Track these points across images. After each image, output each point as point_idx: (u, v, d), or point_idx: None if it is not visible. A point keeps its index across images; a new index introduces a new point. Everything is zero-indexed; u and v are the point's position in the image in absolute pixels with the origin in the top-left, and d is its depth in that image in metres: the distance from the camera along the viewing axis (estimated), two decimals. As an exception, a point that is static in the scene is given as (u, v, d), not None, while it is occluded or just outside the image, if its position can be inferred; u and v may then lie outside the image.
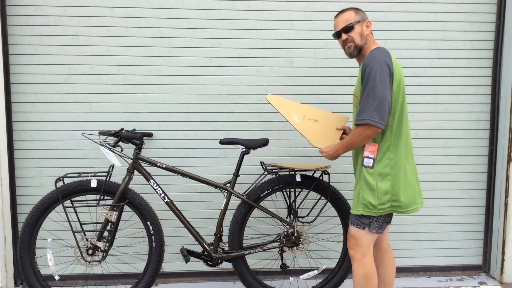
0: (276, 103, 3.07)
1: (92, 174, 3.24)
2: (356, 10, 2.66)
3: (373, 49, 2.57)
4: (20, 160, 3.64)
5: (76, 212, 3.18)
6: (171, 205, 3.26)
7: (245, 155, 3.31)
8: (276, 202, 3.59)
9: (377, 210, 2.59)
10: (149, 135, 3.63)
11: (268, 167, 3.31)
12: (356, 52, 2.66)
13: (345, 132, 3.05)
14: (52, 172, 3.65)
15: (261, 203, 3.32)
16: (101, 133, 3.21)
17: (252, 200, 3.28)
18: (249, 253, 3.30)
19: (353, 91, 2.57)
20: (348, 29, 2.63)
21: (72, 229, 3.11)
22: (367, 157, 2.60)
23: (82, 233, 3.16)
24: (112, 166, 3.26)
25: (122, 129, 3.19)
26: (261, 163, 3.37)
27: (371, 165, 2.59)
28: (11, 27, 3.50)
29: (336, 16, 2.70)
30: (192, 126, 3.70)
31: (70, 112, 3.62)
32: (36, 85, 3.57)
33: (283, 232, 3.34)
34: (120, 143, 3.28)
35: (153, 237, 3.25)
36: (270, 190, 3.30)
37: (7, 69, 3.50)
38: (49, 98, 3.59)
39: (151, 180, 3.24)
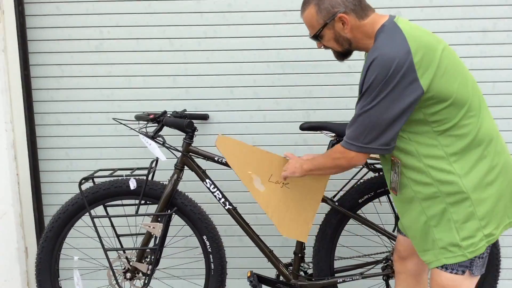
0: (229, 153, 2.25)
1: (130, 172, 2.40)
2: (319, 2, 1.73)
3: (378, 33, 1.69)
4: (44, 150, 2.88)
5: (111, 222, 2.39)
6: (234, 213, 2.39)
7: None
8: (366, 208, 2.61)
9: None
10: (204, 117, 2.75)
11: (369, 161, 2.36)
12: (343, 57, 1.87)
13: None
14: (85, 165, 2.88)
15: (358, 212, 2.39)
16: (138, 117, 2.36)
17: (346, 208, 2.34)
18: (344, 281, 2.38)
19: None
20: (316, 37, 1.81)
21: (103, 247, 2.31)
22: None
23: (119, 251, 2.37)
24: (156, 161, 2.42)
25: (165, 112, 2.31)
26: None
27: None
28: (27, -21, 2.70)
29: (301, 12, 1.84)
30: (261, 105, 2.78)
31: (104, 89, 2.80)
32: (61, 54, 2.78)
33: (392, 252, 2.38)
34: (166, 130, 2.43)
35: (211, 256, 2.41)
36: (373, 194, 2.36)
37: (23, 35, 2.71)
38: (77, 70, 2.79)
39: (207, 180, 2.38)
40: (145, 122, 2.31)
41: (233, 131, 2.82)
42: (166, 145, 2.30)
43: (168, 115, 2.41)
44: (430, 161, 1.68)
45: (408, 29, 1.63)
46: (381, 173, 2.34)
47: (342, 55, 1.85)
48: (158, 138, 2.27)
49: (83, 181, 2.31)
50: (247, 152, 2.26)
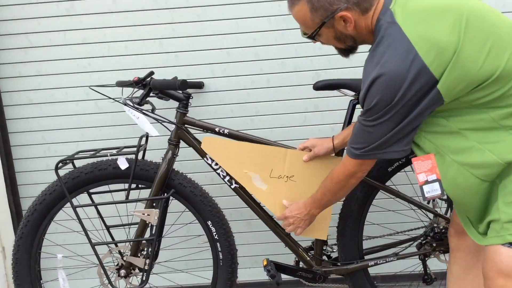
0: (218, 154, 1.97)
1: (115, 151, 2.02)
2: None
3: (376, 31, 1.39)
4: (16, 135, 2.49)
5: (98, 211, 2.03)
6: (242, 193, 2.04)
7: (357, 106, 2.00)
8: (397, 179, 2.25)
9: None
10: (199, 85, 2.37)
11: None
12: (348, 53, 1.60)
13: None
14: (64, 149, 2.49)
15: (388, 184, 2.05)
16: (120, 83, 1.98)
17: (374, 179, 1.99)
18: (376, 264, 2.04)
19: None
20: (312, 37, 1.51)
21: (90, 241, 1.94)
22: (428, 181, 1.47)
23: (109, 245, 2.02)
24: (146, 137, 2.05)
25: (152, 73, 1.91)
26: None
27: (439, 192, 1.47)
28: None
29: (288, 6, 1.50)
30: (263, 68, 2.41)
31: (80, 59, 2.41)
32: (26, 21, 2.37)
33: (431, 227, 2.04)
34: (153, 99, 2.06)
35: (218, 244, 2.06)
36: (404, 160, 2.00)
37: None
38: (47, 39, 2.39)
39: (208, 156, 2.01)
40: (130, 90, 1.92)
41: (232, 100, 2.44)
42: (156, 115, 1.92)
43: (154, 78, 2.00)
44: (482, 137, 1.36)
45: (410, 26, 1.29)
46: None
47: (347, 51, 1.58)
48: (145, 105, 1.89)
49: (61, 164, 1.95)
50: (239, 149, 1.96)
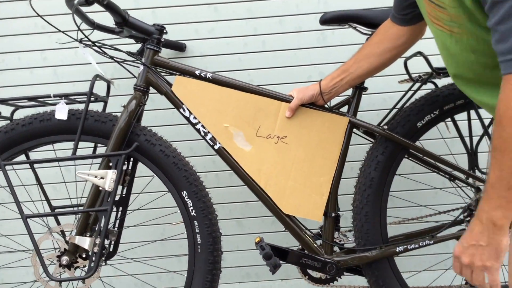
0: (193, 99, 1.55)
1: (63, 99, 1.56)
2: None
3: None
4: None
5: (37, 179, 1.55)
6: (228, 155, 1.55)
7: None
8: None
9: None
10: (180, 48, 1.97)
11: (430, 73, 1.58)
12: None
13: None
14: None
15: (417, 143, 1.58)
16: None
17: (401, 135, 1.53)
18: (406, 250, 1.52)
19: None
20: None
21: (20, 212, 1.44)
22: None
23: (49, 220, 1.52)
24: (108, 86, 1.61)
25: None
26: (405, 63, 1.59)
27: None
28: None
29: None
30: (258, 27, 2.02)
31: (39, 17, 2.00)
32: (-23, -30, 2.00)
33: (477, 198, 1.55)
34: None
35: (196, 224, 1.54)
36: (437, 112, 1.55)
37: None
38: (0, -8, 2.02)
39: (185, 107, 1.55)
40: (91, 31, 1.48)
41: (221, 66, 2.02)
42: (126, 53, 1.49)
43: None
44: None
45: None
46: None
47: None
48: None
49: (-10, 112, 1.49)
50: (220, 97, 1.55)
